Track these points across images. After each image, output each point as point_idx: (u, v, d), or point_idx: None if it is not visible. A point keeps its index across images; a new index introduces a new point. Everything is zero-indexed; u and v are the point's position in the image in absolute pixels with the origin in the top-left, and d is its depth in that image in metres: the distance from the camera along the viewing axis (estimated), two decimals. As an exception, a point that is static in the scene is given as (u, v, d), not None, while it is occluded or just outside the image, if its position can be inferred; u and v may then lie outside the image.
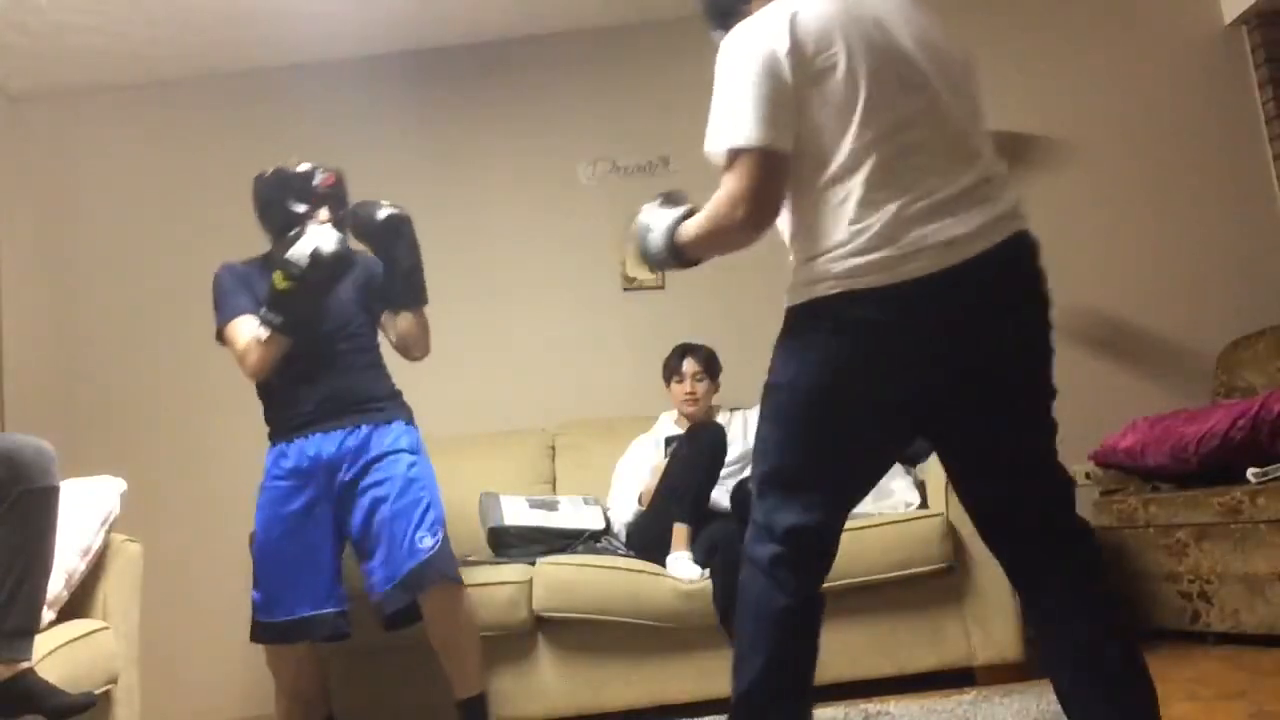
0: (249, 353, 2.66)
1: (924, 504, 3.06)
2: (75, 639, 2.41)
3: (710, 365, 3.40)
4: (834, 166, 1.64)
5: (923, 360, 1.64)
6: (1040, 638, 1.73)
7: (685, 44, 4.12)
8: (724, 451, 3.13)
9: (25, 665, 2.07)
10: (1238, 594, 2.96)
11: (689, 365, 3.42)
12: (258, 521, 2.73)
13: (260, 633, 2.68)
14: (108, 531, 2.69)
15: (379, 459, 2.67)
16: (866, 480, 1.82)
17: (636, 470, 3.40)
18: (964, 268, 1.63)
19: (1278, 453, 2.99)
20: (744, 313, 3.81)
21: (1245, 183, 4.03)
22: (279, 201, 2.76)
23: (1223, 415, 3.12)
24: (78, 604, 2.60)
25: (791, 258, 1.74)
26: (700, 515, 3.07)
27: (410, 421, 2.81)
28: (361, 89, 4.22)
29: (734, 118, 1.65)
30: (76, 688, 2.35)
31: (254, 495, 3.78)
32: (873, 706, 2.70)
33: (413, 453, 2.72)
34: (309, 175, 2.78)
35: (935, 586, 2.91)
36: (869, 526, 2.94)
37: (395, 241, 2.67)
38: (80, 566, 2.59)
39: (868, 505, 3.06)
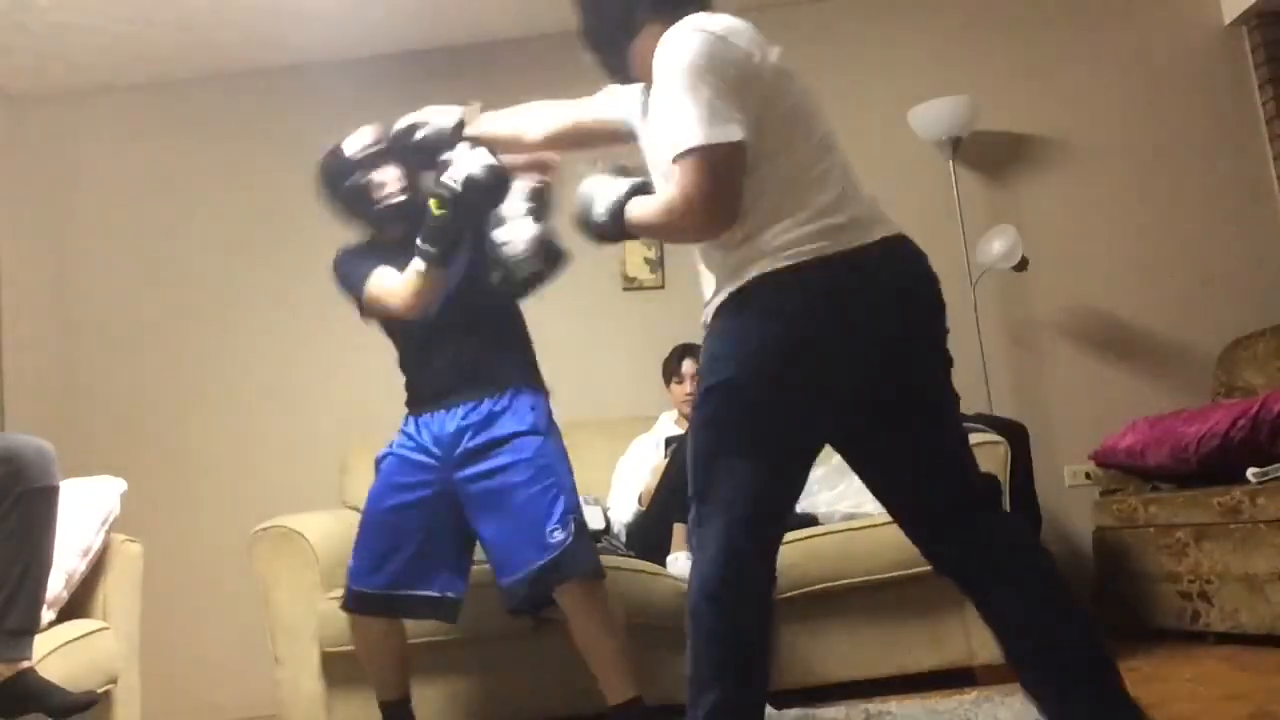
0: (405, 288, 2.45)
1: (924, 504, 3.05)
2: (75, 639, 2.41)
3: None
4: (794, 159, 1.70)
5: (868, 333, 1.67)
6: (999, 640, 1.73)
7: (685, 44, 4.13)
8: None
9: (26, 664, 2.07)
10: (1238, 594, 2.96)
11: (689, 366, 3.42)
12: (373, 489, 2.61)
13: (347, 599, 2.58)
14: (108, 531, 2.69)
15: (503, 441, 2.52)
16: (801, 481, 1.79)
17: (636, 470, 3.40)
18: (890, 243, 1.72)
19: (1278, 453, 2.99)
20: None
21: (1245, 183, 4.03)
22: (335, 184, 2.61)
23: (1223, 415, 3.12)
24: (78, 604, 2.60)
25: (718, 245, 1.72)
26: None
27: (539, 388, 2.66)
28: (361, 89, 4.22)
29: (693, 115, 1.63)
30: (76, 688, 2.35)
31: (254, 495, 3.80)
32: (874, 706, 2.70)
33: (541, 432, 2.57)
34: (344, 148, 2.61)
35: (935, 586, 2.89)
36: (869, 526, 2.94)
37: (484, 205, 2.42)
38: (80, 566, 2.59)
39: (867, 505, 3.06)
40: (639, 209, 1.77)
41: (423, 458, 2.58)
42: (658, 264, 4.13)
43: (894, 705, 2.69)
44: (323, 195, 2.67)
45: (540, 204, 2.45)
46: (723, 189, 1.64)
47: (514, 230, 2.36)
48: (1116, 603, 3.38)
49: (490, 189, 2.36)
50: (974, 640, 2.89)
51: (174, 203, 4.25)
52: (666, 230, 1.75)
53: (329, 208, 2.68)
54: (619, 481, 3.44)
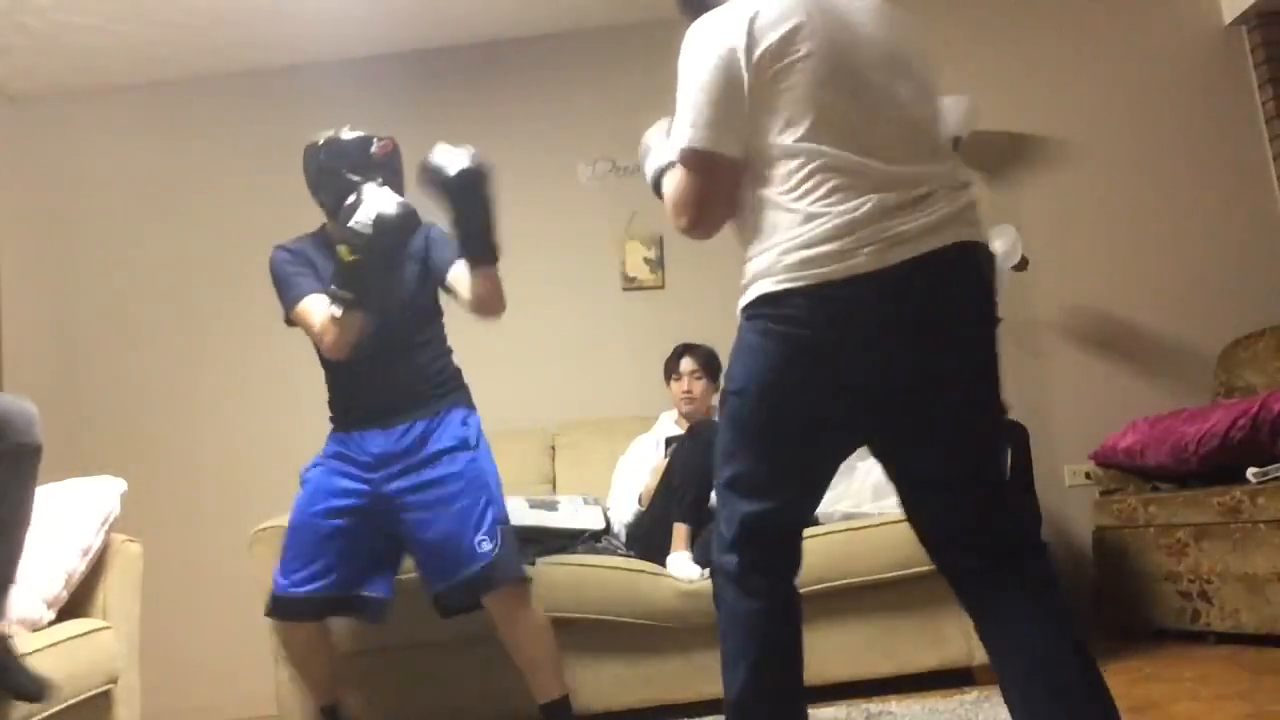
0: (325, 333, 2.53)
1: (924, 504, 3.05)
2: (75, 639, 2.41)
3: (709, 364, 3.41)
4: (790, 164, 1.61)
5: (868, 359, 1.61)
6: (993, 651, 1.67)
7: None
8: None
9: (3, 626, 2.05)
10: (1238, 594, 2.95)
11: (687, 364, 3.43)
12: (299, 498, 2.65)
13: (271, 605, 2.61)
14: (108, 531, 2.69)
15: (436, 457, 2.57)
16: (822, 481, 1.79)
17: (636, 470, 3.40)
18: (909, 266, 1.57)
19: (1278, 453, 2.99)
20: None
21: (1245, 183, 4.03)
22: (334, 171, 2.61)
23: (1223, 415, 3.12)
24: (78, 604, 2.60)
25: (743, 251, 1.71)
26: (700, 515, 3.07)
27: (470, 406, 2.71)
28: (361, 89, 4.22)
29: (684, 118, 1.63)
30: (77, 687, 2.36)
31: (253, 495, 3.80)
32: (874, 706, 2.70)
33: (471, 446, 2.62)
34: (365, 142, 2.62)
35: (935, 586, 2.86)
36: (869, 526, 2.94)
37: (472, 196, 2.45)
38: (80, 566, 2.59)
39: (867, 505, 3.06)
40: (666, 185, 1.76)
41: (354, 470, 2.62)
42: (658, 264, 4.13)
43: (894, 705, 2.69)
44: (313, 169, 2.67)
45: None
46: (707, 196, 1.64)
47: (368, 204, 2.40)
48: (1116, 603, 3.38)
49: (401, 229, 2.42)
50: (974, 640, 2.87)
51: (174, 202, 4.25)
52: (671, 215, 1.76)
53: (310, 182, 2.69)
54: (619, 481, 3.44)
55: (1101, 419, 3.68)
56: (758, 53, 1.61)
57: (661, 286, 4.14)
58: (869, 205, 1.57)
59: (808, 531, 2.93)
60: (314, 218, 3.78)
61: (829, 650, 2.92)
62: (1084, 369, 3.99)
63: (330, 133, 2.67)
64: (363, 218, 2.38)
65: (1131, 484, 3.46)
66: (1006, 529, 1.68)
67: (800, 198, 1.60)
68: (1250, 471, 2.98)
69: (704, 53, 1.64)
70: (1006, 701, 1.64)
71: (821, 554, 2.92)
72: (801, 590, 2.87)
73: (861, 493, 3.10)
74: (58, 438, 2.37)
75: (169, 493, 3.94)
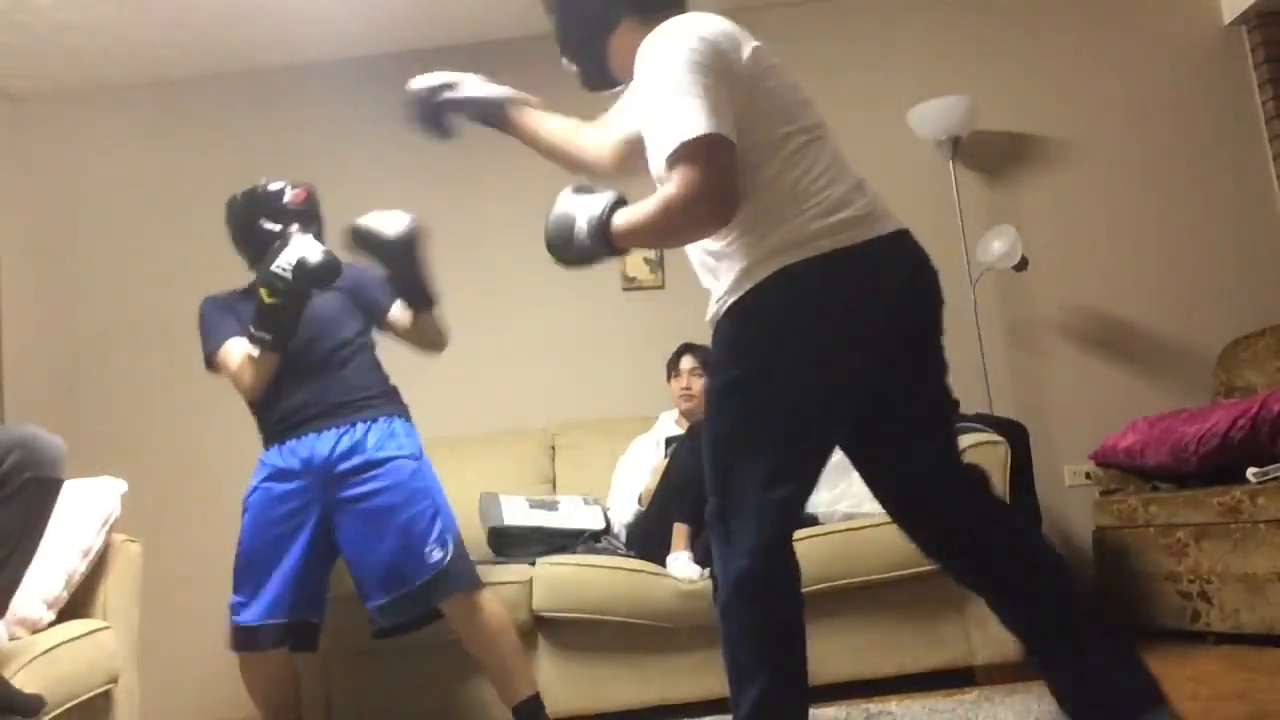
0: (242, 373, 2.63)
1: (924, 504, 3.05)
2: (75, 639, 2.41)
3: (708, 363, 3.41)
4: (792, 144, 1.71)
5: (894, 318, 1.72)
6: (1010, 618, 1.83)
7: (685, 44, 4.13)
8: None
9: None
10: (1238, 594, 2.96)
11: (687, 362, 3.43)
12: (245, 525, 2.66)
13: (234, 639, 2.62)
14: (108, 532, 2.69)
15: (378, 464, 2.58)
16: (813, 482, 1.77)
17: (637, 470, 3.40)
18: (903, 234, 1.76)
19: (1278, 453, 2.99)
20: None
21: (1245, 183, 4.04)
22: (252, 222, 2.74)
23: (1223, 415, 3.12)
24: (78, 604, 2.59)
25: (726, 244, 1.71)
26: (700, 515, 3.07)
27: (409, 419, 2.74)
28: (361, 89, 4.22)
29: (685, 112, 1.63)
30: (77, 687, 2.36)
31: (254, 495, 3.80)
32: (874, 706, 2.70)
33: (415, 457, 2.64)
34: (279, 193, 2.75)
35: (935, 586, 2.90)
36: (869, 526, 2.94)
37: (408, 256, 2.57)
38: (80, 567, 2.59)
39: (867, 505, 3.06)
40: (631, 216, 1.72)
41: (291, 484, 2.62)
42: (658, 264, 4.13)
43: (894, 705, 2.69)
44: (233, 221, 2.82)
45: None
46: (724, 178, 1.63)
47: (289, 250, 2.51)
48: (1116, 603, 3.38)
49: (322, 277, 2.49)
50: (974, 640, 2.89)
51: (174, 202, 4.25)
52: (666, 229, 1.70)
53: (232, 234, 2.84)
54: (619, 481, 3.44)
55: (1101, 419, 3.69)
56: (740, 47, 1.73)
57: (661, 286, 4.14)
58: (852, 186, 1.75)
59: (809, 531, 2.98)
60: (314, 218, 3.76)
61: (829, 650, 2.92)
62: (1084, 369, 3.99)
63: (250, 186, 2.81)
64: (284, 262, 2.48)
65: (1131, 484, 3.46)
66: (964, 492, 1.81)
67: (815, 174, 1.71)
68: (1250, 471, 2.98)
69: (687, 51, 1.67)
70: (1038, 668, 1.80)
71: (821, 554, 2.92)
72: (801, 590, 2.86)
73: (861, 493, 3.09)
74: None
75: (169, 493, 3.94)
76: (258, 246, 2.68)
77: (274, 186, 2.77)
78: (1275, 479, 2.93)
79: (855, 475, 3.09)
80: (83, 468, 2.82)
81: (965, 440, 2.97)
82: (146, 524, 3.07)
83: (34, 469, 2.05)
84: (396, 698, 3.03)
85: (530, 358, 4.10)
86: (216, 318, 2.74)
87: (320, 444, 2.61)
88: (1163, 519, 3.20)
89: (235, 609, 2.62)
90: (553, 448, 3.80)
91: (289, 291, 2.48)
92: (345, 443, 2.60)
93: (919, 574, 2.89)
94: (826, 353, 1.66)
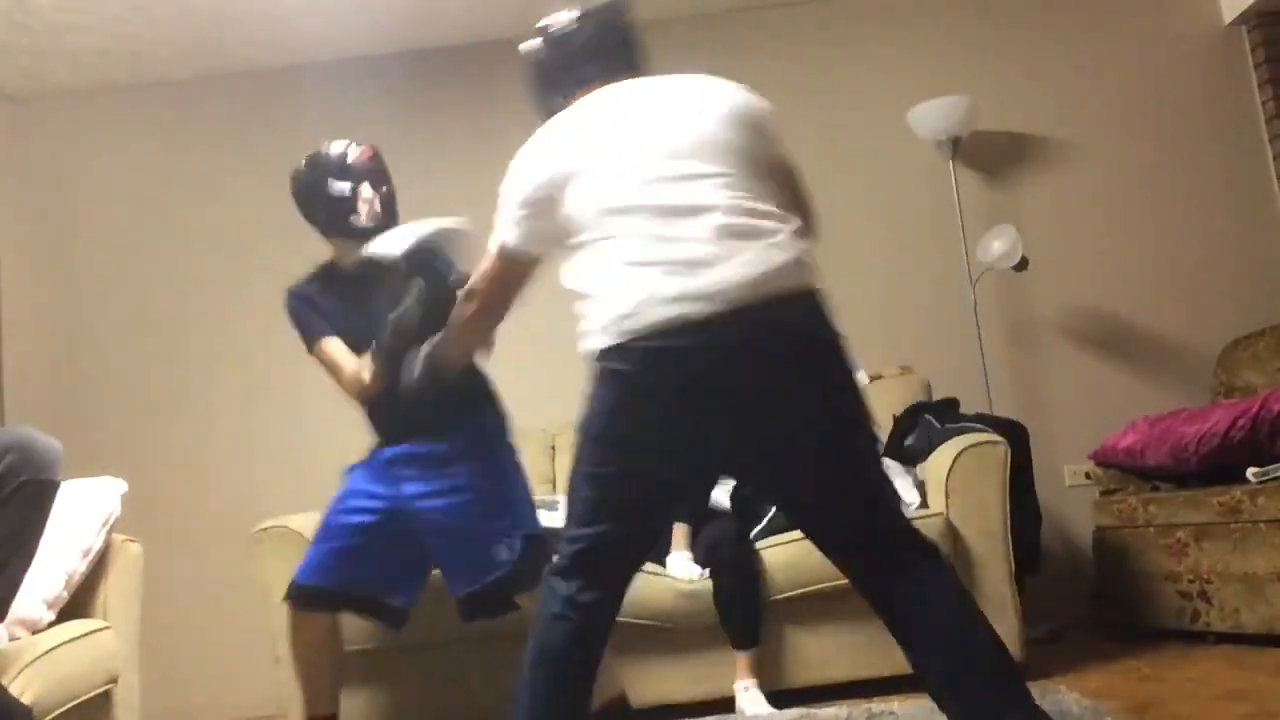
0: (354, 383, 2.62)
1: (924, 504, 3.06)
2: (75, 639, 2.41)
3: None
4: (590, 235, 1.79)
5: (680, 415, 1.70)
6: (906, 642, 1.80)
7: (685, 43, 4.13)
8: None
9: None
10: (1238, 594, 2.96)
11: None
12: (340, 490, 2.66)
13: (288, 591, 2.60)
14: (108, 532, 2.69)
15: (454, 460, 2.57)
16: (662, 517, 1.97)
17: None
18: (705, 325, 1.67)
19: (1278, 453, 2.99)
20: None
21: (1245, 183, 4.04)
22: (318, 185, 2.66)
23: (1223, 415, 3.12)
24: (78, 604, 2.60)
25: None
26: (700, 515, 3.07)
27: (498, 413, 2.71)
28: (361, 89, 4.22)
29: (500, 218, 1.91)
30: (77, 687, 2.36)
31: (255, 495, 3.80)
32: (876, 706, 2.70)
33: (494, 448, 2.63)
34: (343, 154, 2.68)
35: (935, 586, 2.90)
36: (869, 526, 2.94)
37: (429, 267, 2.53)
38: (80, 567, 2.59)
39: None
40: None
41: (381, 480, 2.62)
42: (658, 264, 4.13)
43: (894, 705, 2.69)
44: (300, 190, 2.72)
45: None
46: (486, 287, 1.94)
47: (388, 240, 2.45)
48: (1116, 603, 3.39)
49: (422, 259, 2.46)
50: (974, 640, 2.89)
51: (174, 202, 4.25)
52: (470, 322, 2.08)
53: (300, 204, 2.74)
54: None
55: (1101, 419, 3.69)
56: (554, 159, 1.91)
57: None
58: (659, 268, 1.76)
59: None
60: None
61: (829, 650, 2.92)
62: (1084, 369, 3.99)
63: (313, 152, 2.73)
64: (388, 248, 2.40)
65: (1131, 484, 3.46)
66: (891, 529, 1.79)
67: (603, 264, 1.82)
68: (1250, 471, 2.98)
69: (517, 166, 1.95)
70: (929, 689, 1.76)
71: (821, 554, 2.91)
72: (802, 590, 2.88)
73: (861, 493, 3.09)
74: (58, 438, 2.37)
75: (169, 493, 3.95)
76: (328, 211, 2.64)
77: (336, 148, 2.71)
78: (1275, 479, 2.93)
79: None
80: (83, 468, 2.82)
81: (965, 440, 2.97)
82: (146, 524, 3.07)
83: (31, 471, 2.05)
84: (431, 695, 3.02)
85: (530, 358, 4.10)
86: (305, 312, 2.72)
87: (410, 447, 2.61)
88: (1163, 519, 3.20)
89: (303, 568, 2.60)
90: (553, 448, 3.79)
91: (407, 336, 2.42)
92: (423, 447, 2.60)
93: (919, 574, 2.89)
94: (609, 446, 1.79)
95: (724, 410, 1.68)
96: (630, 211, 1.76)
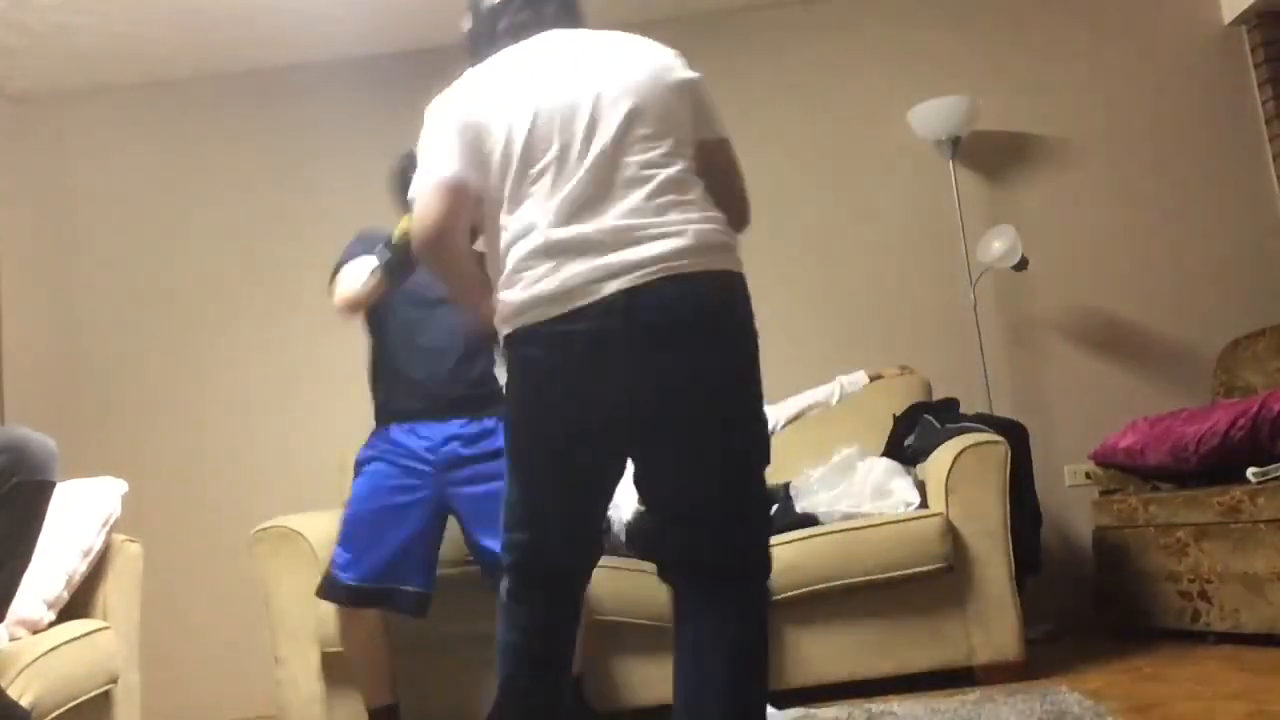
0: (343, 283, 2.64)
1: (924, 504, 3.06)
2: (75, 639, 2.41)
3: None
4: (502, 207, 1.72)
5: (583, 399, 1.66)
6: (677, 660, 1.75)
7: (686, 42, 4.12)
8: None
9: None
10: (1238, 594, 2.96)
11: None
12: (358, 485, 2.71)
13: (334, 591, 2.65)
14: (108, 532, 2.69)
15: (498, 454, 2.64)
16: (588, 510, 1.82)
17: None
18: (608, 304, 1.61)
19: (1278, 453, 2.99)
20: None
21: (1245, 183, 4.04)
22: (407, 175, 2.76)
23: (1223, 415, 3.12)
24: (78, 604, 2.60)
25: None
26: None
27: None
28: (361, 89, 4.22)
29: (423, 165, 1.79)
30: (77, 687, 2.36)
31: (254, 495, 3.80)
32: (875, 706, 2.70)
33: None
34: None
35: (935, 586, 2.91)
36: (869, 526, 2.94)
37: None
38: (80, 567, 2.59)
39: (866, 505, 3.06)
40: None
41: (414, 463, 2.69)
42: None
43: (894, 705, 2.69)
44: (394, 177, 2.82)
45: None
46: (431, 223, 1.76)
47: None
48: (1116, 603, 3.39)
49: None
50: (974, 640, 2.89)
51: (174, 202, 4.25)
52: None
53: (392, 189, 2.83)
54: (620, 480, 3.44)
55: (1101, 419, 3.69)
56: (470, 112, 1.82)
57: (661, 286, 4.13)
58: (566, 239, 1.68)
59: (809, 531, 2.98)
60: (314, 218, 3.82)
61: (829, 650, 2.92)
62: (1084, 369, 3.99)
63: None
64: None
65: (1131, 484, 3.46)
66: (721, 560, 1.72)
67: (512, 239, 1.75)
68: (1250, 471, 2.98)
69: (434, 115, 1.90)
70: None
71: (821, 554, 2.92)
72: (801, 590, 2.88)
73: (861, 493, 3.10)
74: (58, 439, 2.36)
75: (169, 493, 3.94)
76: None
77: None
78: (1275, 479, 2.93)
79: (855, 475, 3.14)
80: (83, 468, 2.83)
81: (965, 440, 2.97)
82: (146, 524, 3.07)
83: (24, 472, 2.04)
84: (458, 691, 3.02)
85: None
86: (355, 243, 2.76)
87: (442, 430, 2.70)
88: (1163, 519, 3.20)
89: (341, 565, 2.65)
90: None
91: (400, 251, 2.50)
92: (466, 430, 2.70)
93: (919, 574, 2.90)
94: (528, 428, 1.75)
95: (622, 380, 1.64)
96: (547, 172, 1.68)
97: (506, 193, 1.71)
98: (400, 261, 2.51)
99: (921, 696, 2.77)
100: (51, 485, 2.12)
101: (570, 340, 1.62)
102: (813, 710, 2.73)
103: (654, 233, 1.63)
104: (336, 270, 2.72)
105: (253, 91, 4.27)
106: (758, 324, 1.71)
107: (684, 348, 1.63)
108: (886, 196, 4.08)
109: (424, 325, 2.72)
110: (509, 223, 1.70)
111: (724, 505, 1.71)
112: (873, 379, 3.63)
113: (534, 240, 1.66)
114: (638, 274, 1.60)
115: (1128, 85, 4.10)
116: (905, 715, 2.57)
